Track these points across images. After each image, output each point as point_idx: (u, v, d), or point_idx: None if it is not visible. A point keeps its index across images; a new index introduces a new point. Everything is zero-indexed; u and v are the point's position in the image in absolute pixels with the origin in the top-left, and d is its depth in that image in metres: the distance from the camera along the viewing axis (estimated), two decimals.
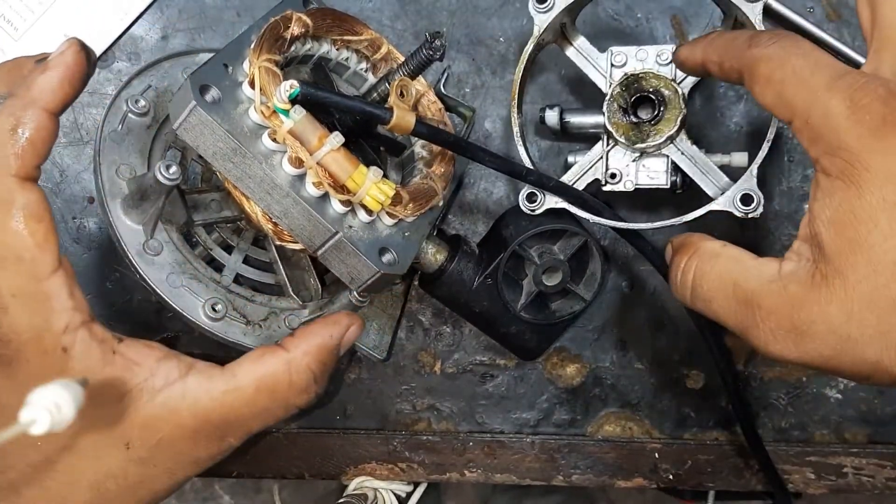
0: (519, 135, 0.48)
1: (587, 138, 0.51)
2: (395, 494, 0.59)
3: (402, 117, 0.39)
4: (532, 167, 0.47)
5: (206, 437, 0.39)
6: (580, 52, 0.49)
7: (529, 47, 0.47)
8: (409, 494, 0.61)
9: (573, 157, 0.50)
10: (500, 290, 0.48)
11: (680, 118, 0.45)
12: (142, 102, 0.44)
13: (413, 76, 0.42)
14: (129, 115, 0.43)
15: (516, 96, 0.48)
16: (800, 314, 0.33)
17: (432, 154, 0.46)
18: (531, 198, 0.47)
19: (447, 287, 0.48)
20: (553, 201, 0.47)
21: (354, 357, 0.56)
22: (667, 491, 0.68)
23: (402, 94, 0.40)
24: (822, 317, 0.32)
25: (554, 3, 0.46)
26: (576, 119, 0.50)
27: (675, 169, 0.47)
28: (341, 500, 0.56)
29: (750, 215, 0.43)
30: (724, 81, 0.39)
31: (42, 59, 0.38)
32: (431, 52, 0.40)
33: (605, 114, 0.47)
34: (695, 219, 0.44)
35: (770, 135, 0.43)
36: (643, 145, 0.46)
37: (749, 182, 0.43)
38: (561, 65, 0.54)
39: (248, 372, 0.40)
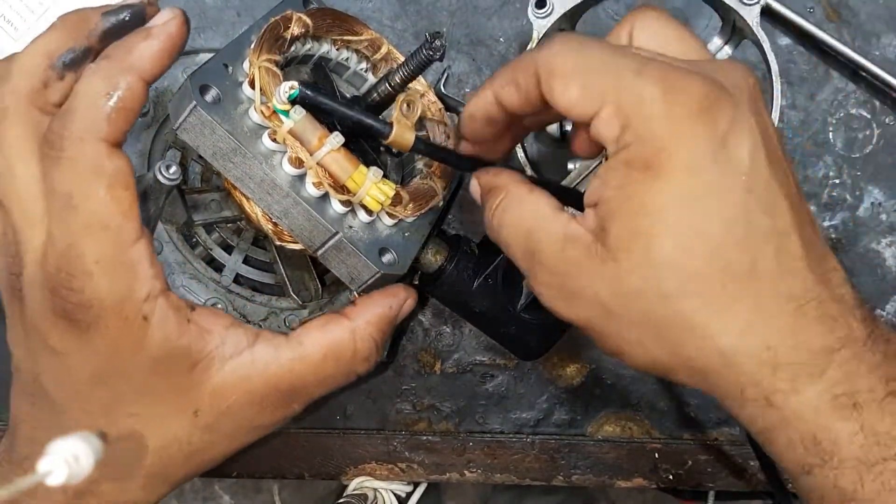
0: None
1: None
2: (395, 494, 0.59)
3: (400, 134, 0.39)
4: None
5: (272, 404, 0.40)
6: None
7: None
8: (409, 494, 0.61)
9: (572, 163, 0.50)
10: (499, 291, 0.48)
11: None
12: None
13: (413, 77, 0.42)
14: None
15: None
16: (572, 278, 0.33)
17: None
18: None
19: (447, 287, 0.48)
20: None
21: None
22: (667, 490, 0.68)
23: (407, 107, 0.40)
24: (590, 287, 0.33)
25: (553, 9, 0.46)
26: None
27: None
28: (341, 501, 0.56)
29: None
30: (524, 113, 0.36)
31: (111, 12, 0.38)
32: (431, 53, 0.40)
33: None
34: None
35: None
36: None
37: None
38: None
39: (315, 340, 0.41)
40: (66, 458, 0.29)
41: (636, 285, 0.32)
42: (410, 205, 0.42)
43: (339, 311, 0.43)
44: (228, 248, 0.48)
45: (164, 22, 0.37)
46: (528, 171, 0.47)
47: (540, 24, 0.46)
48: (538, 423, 0.56)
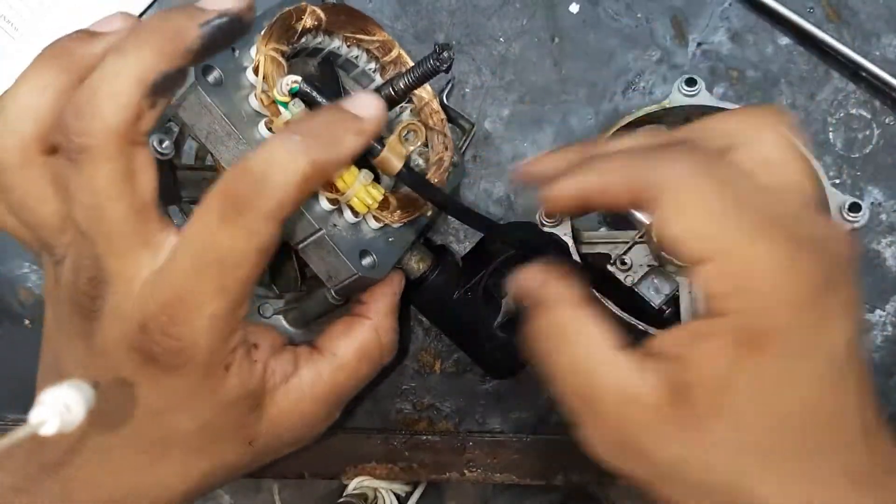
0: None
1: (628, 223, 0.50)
2: (395, 494, 0.59)
3: (388, 159, 0.39)
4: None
5: (320, 420, 0.42)
6: None
7: (650, 109, 0.47)
8: (409, 494, 0.61)
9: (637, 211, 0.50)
10: (479, 305, 0.48)
11: None
12: None
13: (417, 84, 0.42)
14: None
15: None
16: (632, 438, 0.31)
17: (428, 164, 0.46)
18: (548, 214, 0.48)
19: (428, 296, 0.48)
20: (563, 232, 0.47)
21: None
22: None
23: (407, 135, 0.40)
24: (656, 452, 0.31)
25: (699, 93, 0.47)
26: None
27: (674, 300, 0.45)
28: (341, 500, 0.56)
29: None
30: (603, 210, 0.35)
31: (208, 22, 0.33)
32: (438, 63, 0.40)
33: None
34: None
35: None
36: (663, 266, 0.45)
37: None
38: None
39: (347, 347, 0.42)
40: (58, 407, 0.29)
41: (712, 459, 0.30)
42: (398, 212, 0.42)
43: (355, 313, 0.44)
44: None
45: (376, 118, 0.36)
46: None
47: (679, 98, 0.47)
48: (538, 422, 0.56)
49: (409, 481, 0.59)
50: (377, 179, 0.40)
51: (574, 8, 0.54)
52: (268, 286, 0.46)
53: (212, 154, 0.39)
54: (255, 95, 0.38)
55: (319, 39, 0.44)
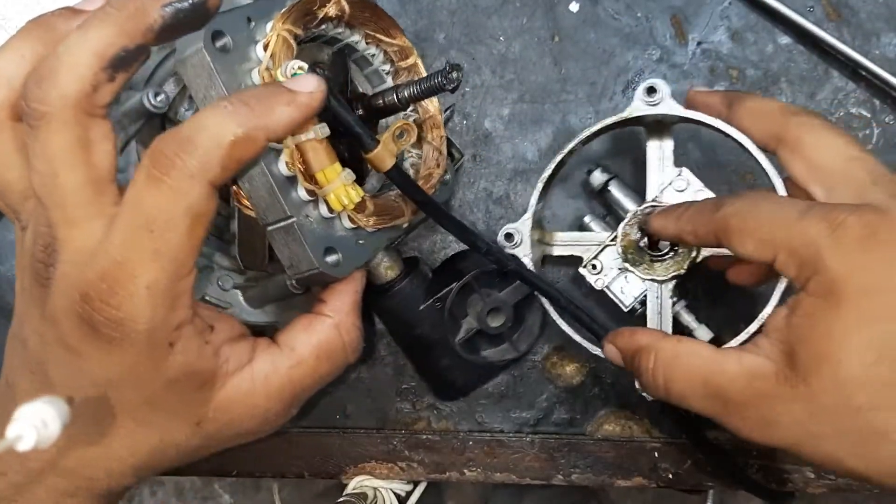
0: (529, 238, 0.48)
1: (614, 213, 0.51)
2: (394, 493, 0.59)
3: (381, 156, 0.39)
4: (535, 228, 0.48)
5: (274, 414, 0.41)
6: (659, 152, 0.47)
7: (609, 121, 0.46)
8: (409, 493, 0.61)
9: (590, 219, 0.51)
10: (443, 319, 0.48)
11: (675, 274, 0.46)
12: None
13: (420, 98, 0.42)
14: None
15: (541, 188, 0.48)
16: (767, 408, 0.36)
17: (417, 177, 0.46)
18: (508, 237, 0.48)
19: (393, 303, 0.48)
20: (524, 252, 0.47)
21: None
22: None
23: (400, 134, 0.40)
24: (787, 412, 0.36)
25: (661, 102, 0.45)
26: (619, 194, 0.50)
27: (643, 301, 0.47)
28: (341, 500, 0.56)
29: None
30: (701, 247, 0.43)
31: (171, 3, 0.34)
32: (444, 82, 0.40)
33: (626, 219, 0.47)
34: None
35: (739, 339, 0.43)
36: (633, 269, 0.46)
37: None
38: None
39: (306, 343, 0.41)
40: (34, 422, 0.29)
41: (829, 403, 0.34)
42: (374, 218, 0.42)
43: (316, 311, 0.43)
44: None
45: (310, 92, 0.36)
46: (527, 217, 0.48)
47: (639, 107, 0.46)
48: (538, 422, 0.56)
49: (409, 481, 0.59)
50: (360, 182, 0.40)
51: (574, 7, 0.54)
52: (233, 259, 0.46)
53: None
54: (259, 71, 0.38)
55: (340, 30, 0.44)
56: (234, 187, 0.39)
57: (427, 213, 0.43)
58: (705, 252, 0.46)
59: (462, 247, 0.55)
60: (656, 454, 0.54)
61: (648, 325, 0.47)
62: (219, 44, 0.37)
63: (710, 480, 0.54)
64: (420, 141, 0.46)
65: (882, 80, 0.51)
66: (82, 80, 0.34)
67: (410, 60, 0.46)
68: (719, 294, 0.52)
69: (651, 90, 0.45)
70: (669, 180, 0.46)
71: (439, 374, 0.50)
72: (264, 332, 0.43)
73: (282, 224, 0.39)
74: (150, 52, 0.36)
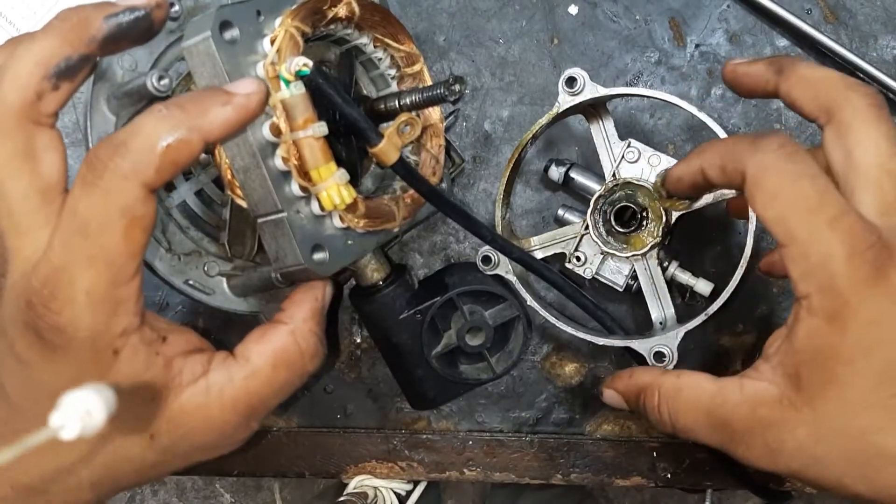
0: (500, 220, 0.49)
1: (586, 200, 0.51)
2: (394, 493, 0.59)
3: (386, 150, 0.39)
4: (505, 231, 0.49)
5: (232, 427, 0.40)
6: (602, 132, 0.48)
7: (543, 121, 0.47)
8: (409, 493, 0.61)
9: (563, 211, 0.51)
10: (423, 330, 0.48)
11: (654, 243, 0.47)
12: (176, 7, 0.43)
13: (422, 106, 0.42)
14: None
15: (506, 179, 0.49)
16: (772, 435, 0.36)
17: None
18: (486, 260, 0.48)
19: (376, 306, 0.48)
20: (504, 270, 0.48)
21: (354, 356, 0.56)
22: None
23: (405, 127, 0.41)
24: (792, 438, 0.35)
25: (584, 89, 0.46)
26: (581, 179, 0.51)
27: (635, 276, 0.48)
28: (342, 499, 0.56)
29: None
30: (718, 188, 0.39)
31: (114, 14, 0.35)
32: (447, 93, 0.40)
33: (591, 206, 0.47)
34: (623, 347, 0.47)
35: (720, 300, 0.44)
36: (613, 251, 0.47)
37: (671, 341, 0.45)
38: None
39: (260, 353, 0.40)
40: (79, 411, 0.28)
41: (834, 426, 0.35)
42: (364, 220, 0.42)
43: (272, 320, 0.42)
44: (188, 175, 0.48)
45: (248, 94, 0.36)
46: (499, 229, 0.49)
47: (566, 99, 0.46)
48: (537, 422, 0.56)
49: (409, 480, 0.59)
50: (355, 184, 0.40)
51: (573, 10, 0.54)
52: (221, 246, 0.46)
53: None
54: (263, 65, 0.38)
55: (349, 31, 0.44)
56: (230, 176, 0.40)
57: (433, 204, 0.43)
58: (677, 213, 0.47)
59: (452, 258, 0.55)
60: (655, 454, 0.55)
61: (646, 297, 0.47)
62: (226, 34, 0.37)
63: (708, 480, 0.55)
64: (419, 147, 0.46)
65: (879, 82, 0.51)
66: (24, 89, 0.34)
67: (416, 67, 0.46)
68: (704, 240, 0.53)
69: (571, 80, 0.46)
70: (621, 154, 0.47)
71: (412, 383, 0.50)
72: (247, 322, 0.43)
73: (272, 217, 0.40)
74: (95, 62, 0.36)
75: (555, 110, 0.47)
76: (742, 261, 0.44)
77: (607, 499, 1.39)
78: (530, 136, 0.48)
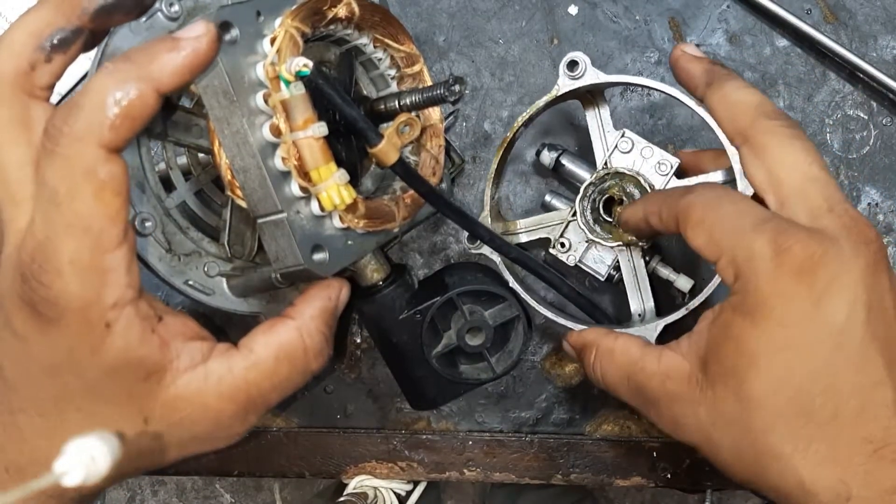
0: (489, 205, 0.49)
1: (575, 188, 0.51)
2: (394, 493, 0.59)
3: (386, 150, 0.39)
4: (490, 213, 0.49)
5: (228, 417, 0.39)
6: (597, 120, 0.48)
7: (541, 103, 0.47)
8: (409, 493, 0.61)
9: (550, 197, 0.51)
10: (422, 330, 0.48)
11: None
12: (175, 7, 0.43)
13: (421, 106, 0.42)
14: (159, 14, 0.42)
15: (496, 163, 0.49)
16: (677, 407, 0.38)
17: None
18: (472, 238, 0.48)
19: (375, 307, 0.48)
20: (489, 249, 0.48)
21: (354, 356, 0.56)
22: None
23: (405, 127, 0.41)
24: (693, 414, 0.37)
25: (585, 73, 0.46)
26: (571, 166, 0.51)
27: (618, 266, 0.48)
28: (342, 499, 0.56)
29: None
30: (663, 233, 0.42)
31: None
32: (447, 94, 0.40)
33: (580, 192, 0.47)
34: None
35: (702, 296, 0.44)
36: (596, 239, 0.47)
37: (650, 333, 0.45)
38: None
39: (264, 345, 0.40)
40: (83, 458, 0.28)
41: (729, 415, 0.36)
42: (364, 220, 0.42)
43: (282, 314, 0.42)
44: (188, 176, 0.47)
45: (196, 36, 0.35)
46: (485, 213, 0.49)
47: (566, 82, 0.46)
48: (537, 422, 0.56)
49: (409, 480, 0.59)
50: (355, 184, 0.40)
51: (573, 10, 0.54)
52: (221, 246, 0.46)
53: (205, 105, 0.39)
54: (263, 65, 0.38)
55: (349, 31, 0.44)
56: (230, 177, 0.40)
57: (432, 204, 0.43)
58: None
59: (452, 259, 0.55)
60: (655, 454, 0.55)
61: (627, 288, 0.48)
62: (227, 36, 0.37)
63: (708, 480, 0.55)
64: (419, 147, 0.46)
65: (879, 82, 0.51)
66: (18, 58, 0.35)
67: (416, 68, 0.46)
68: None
69: (573, 64, 0.46)
70: (614, 143, 0.47)
71: (412, 383, 0.50)
72: (247, 323, 0.43)
73: (272, 218, 0.39)
74: (87, 35, 0.36)
75: (553, 93, 0.47)
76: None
77: (607, 499, 1.39)
78: (527, 116, 0.47)
